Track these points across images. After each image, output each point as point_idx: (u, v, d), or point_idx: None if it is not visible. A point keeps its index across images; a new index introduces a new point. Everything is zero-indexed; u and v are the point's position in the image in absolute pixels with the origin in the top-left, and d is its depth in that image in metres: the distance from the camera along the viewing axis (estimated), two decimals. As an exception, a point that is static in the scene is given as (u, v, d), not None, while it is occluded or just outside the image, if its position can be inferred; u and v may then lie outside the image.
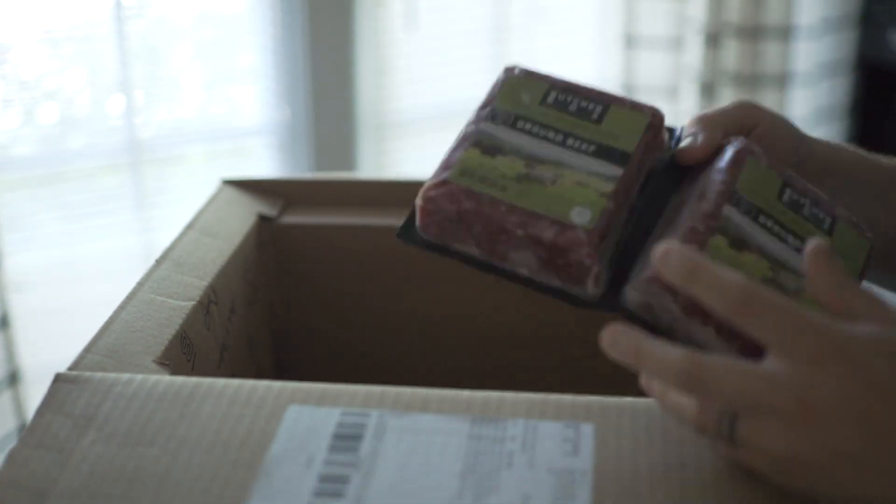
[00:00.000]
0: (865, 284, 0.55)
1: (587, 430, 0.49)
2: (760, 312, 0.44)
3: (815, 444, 0.43)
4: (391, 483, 0.47)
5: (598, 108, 0.59)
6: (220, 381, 0.53)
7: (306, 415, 0.50)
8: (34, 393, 1.66)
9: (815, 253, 0.47)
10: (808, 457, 0.43)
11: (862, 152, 0.68)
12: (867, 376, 0.43)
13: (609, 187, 0.55)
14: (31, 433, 0.50)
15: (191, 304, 0.64)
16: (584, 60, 2.29)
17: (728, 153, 0.57)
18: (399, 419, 0.50)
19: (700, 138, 0.58)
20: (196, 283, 0.67)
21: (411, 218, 0.57)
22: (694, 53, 2.12)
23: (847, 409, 0.43)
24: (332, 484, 0.47)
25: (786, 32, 2.12)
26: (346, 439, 0.49)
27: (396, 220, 0.80)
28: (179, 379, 0.53)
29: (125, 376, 0.53)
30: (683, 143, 0.58)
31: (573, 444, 0.49)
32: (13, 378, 1.62)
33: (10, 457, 0.48)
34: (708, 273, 0.45)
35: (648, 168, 0.58)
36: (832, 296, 0.46)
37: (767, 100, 2.13)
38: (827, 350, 0.43)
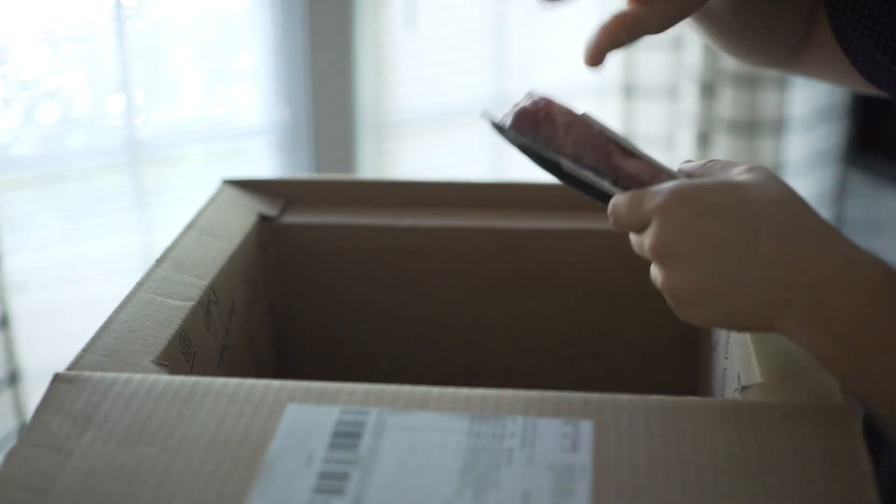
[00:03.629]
0: None
1: (586, 426, 0.49)
2: (619, 215, 0.56)
3: (680, 278, 0.52)
4: (391, 480, 0.47)
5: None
6: (220, 380, 0.53)
7: (305, 413, 0.51)
8: (34, 393, 1.66)
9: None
10: (680, 292, 0.53)
11: None
12: (710, 210, 0.52)
13: None
14: (30, 433, 0.50)
15: (190, 304, 0.64)
16: (584, 60, 2.28)
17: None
18: (398, 417, 0.50)
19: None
20: (196, 283, 0.67)
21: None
22: (694, 54, 2.12)
23: (690, 239, 0.52)
24: (331, 481, 0.47)
25: (785, 32, 2.12)
26: (346, 437, 0.49)
27: (396, 221, 0.81)
28: (178, 378, 0.53)
29: (124, 376, 0.53)
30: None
31: (572, 440, 0.49)
32: (13, 378, 1.62)
33: (10, 456, 0.49)
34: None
35: None
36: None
37: (767, 99, 2.14)
38: (664, 201, 0.53)
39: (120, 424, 0.50)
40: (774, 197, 0.53)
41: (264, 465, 0.48)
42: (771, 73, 2.13)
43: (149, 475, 0.47)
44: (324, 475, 0.47)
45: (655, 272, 0.54)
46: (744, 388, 0.55)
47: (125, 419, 0.50)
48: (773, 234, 0.52)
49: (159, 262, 0.68)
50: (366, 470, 0.47)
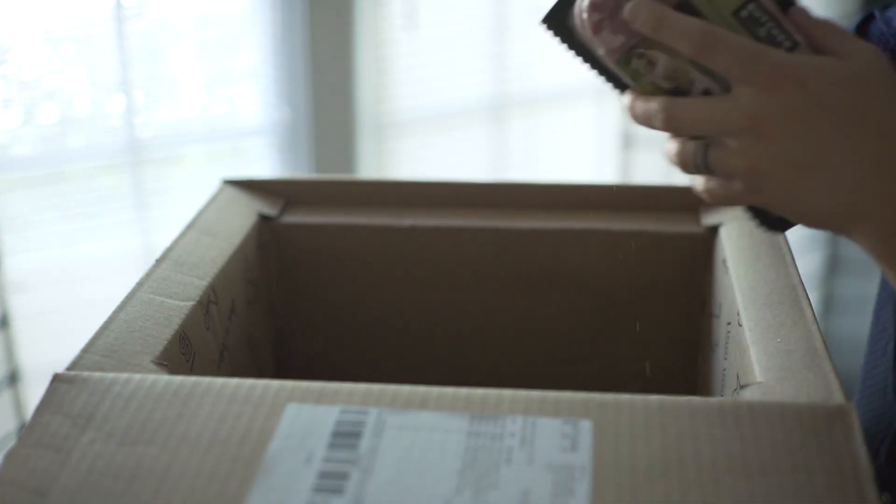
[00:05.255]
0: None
1: (585, 426, 0.49)
2: (721, 49, 0.51)
3: (767, 154, 0.51)
4: (390, 480, 0.47)
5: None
6: (219, 380, 0.53)
7: (305, 412, 0.51)
8: (34, 393, 1.66)
9: None
10: (763, 166, 0.51)
11: None
12: (812, 95, 0.50)
13: None
14: (29, 433, 0.50)
15: (190, 304, 0.64)
16: (584, 60, 2.29)
17: None
18: (398, 416, 0.50)
19: None
20: (196, 283, 0.67)
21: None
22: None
23: (793, 121, 0.51)
24: (331, 481, 0.47)
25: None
26: (346, 436, 0.49)
27: (396, 220, 0.81)
28: (178, 378, 0.53)
29: (123, 376, 0.53)
30: None
31: (572, 440, 0.49)
32: (13, 378, 1.62)
33: (9, 456, 0.49)
34: (673, 19, 0.52)
35: None
36: (809, 28, 0.53)
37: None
38: (777, 74, 0.51)
39: (120, 424, 0.50)
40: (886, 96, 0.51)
41: (264, 465, 0.48)
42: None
43: (149, 475, 0.47)
44: (323, 475, 0.47)
45: (733, 143, 0.52)
46: (743, 388, 0.55)
47: (125, 419, 0.50)
48: (881, 136, 0.50)
49: (159, 262, 0.68)
50: (365, 470, 0.47)
